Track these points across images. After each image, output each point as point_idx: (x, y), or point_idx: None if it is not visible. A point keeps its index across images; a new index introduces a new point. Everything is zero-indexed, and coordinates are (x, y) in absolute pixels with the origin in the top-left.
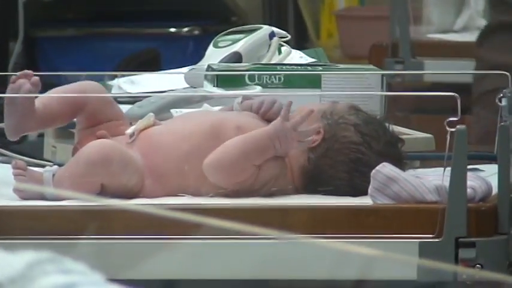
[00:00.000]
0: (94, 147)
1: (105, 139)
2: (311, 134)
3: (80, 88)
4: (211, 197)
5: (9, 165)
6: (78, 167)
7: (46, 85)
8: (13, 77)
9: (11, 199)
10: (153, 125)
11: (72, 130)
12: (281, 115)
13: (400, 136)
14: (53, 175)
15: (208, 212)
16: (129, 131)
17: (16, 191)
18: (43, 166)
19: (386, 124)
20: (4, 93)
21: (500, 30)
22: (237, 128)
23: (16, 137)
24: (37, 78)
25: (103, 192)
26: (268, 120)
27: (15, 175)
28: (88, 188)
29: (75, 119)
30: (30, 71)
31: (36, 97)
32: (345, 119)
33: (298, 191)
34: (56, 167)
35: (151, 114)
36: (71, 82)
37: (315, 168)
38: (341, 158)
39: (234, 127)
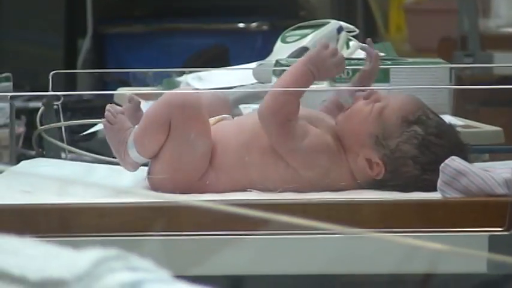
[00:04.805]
0: (177, 92)
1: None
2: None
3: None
4: (280, 192)
5: (77, 163)
6: (156, 104)
7: (114, 81)
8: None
9: (78, 197)
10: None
11: None
12: (320, 43)
13: (469, 130)
14: None
15: (277, 207)
16: None
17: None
18: (111, 163)
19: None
20: (73, 90)
21: None
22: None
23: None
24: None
25: (168, 143)
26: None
27: (105, 116)
28: (158, 124)
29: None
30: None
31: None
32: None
33: (363, 187)
34: None
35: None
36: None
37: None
38: (409, 159)
39: None
